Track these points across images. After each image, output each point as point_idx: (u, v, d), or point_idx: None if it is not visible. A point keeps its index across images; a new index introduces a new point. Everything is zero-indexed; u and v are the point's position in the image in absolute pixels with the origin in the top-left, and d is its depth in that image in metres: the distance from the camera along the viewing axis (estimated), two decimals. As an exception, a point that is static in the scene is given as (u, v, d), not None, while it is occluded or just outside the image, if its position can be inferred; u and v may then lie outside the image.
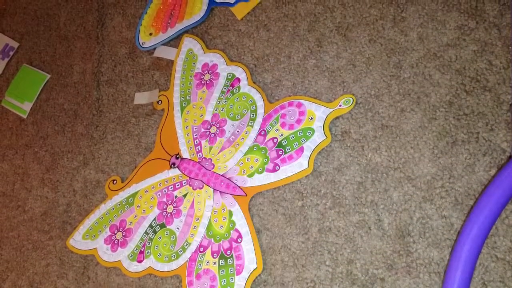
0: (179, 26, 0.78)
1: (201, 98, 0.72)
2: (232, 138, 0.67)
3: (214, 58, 0.73)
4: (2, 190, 0.86)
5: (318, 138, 0.61)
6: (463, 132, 0.56)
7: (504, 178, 0.50)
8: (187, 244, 0.65)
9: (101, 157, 0.78)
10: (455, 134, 0.56)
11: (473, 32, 0.58)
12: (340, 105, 0.62)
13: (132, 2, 0.85)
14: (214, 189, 0.66)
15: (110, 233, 0.71)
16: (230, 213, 0.64)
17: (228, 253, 0.62)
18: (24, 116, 0.88)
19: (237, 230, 0.63)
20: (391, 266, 0.55)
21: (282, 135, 0.64)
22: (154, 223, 0.69)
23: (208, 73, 0.73)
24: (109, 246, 0.71)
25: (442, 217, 0.54)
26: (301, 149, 0.62)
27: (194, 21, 0.76)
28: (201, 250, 0.64)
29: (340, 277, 0.57)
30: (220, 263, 0.63)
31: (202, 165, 0.68)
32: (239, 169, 0.65)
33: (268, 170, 0.63)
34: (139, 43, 0.80)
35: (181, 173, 0.70)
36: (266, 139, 0.65)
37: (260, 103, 0.67)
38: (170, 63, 0.77)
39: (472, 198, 0.54)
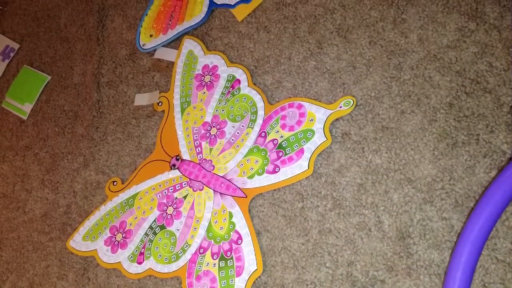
0: (179, 28, 0.78)
1: (201, 100, 0.72)
2: (232, 140, 0.67)
3: (215, 59, 0.73)
4: (2, 191, 0.86)
5: (318, 139, 0.61)
6: (464, 134, 0.56)
7: (504, 180, 0.50)
8: (187, 246, 0.65)
9: (102, 159, 0.78)
10: (456, 136, 0.56)
11: (473, 34, 0.58)
12: (341, 107, 0.62)
13: (132, 4, 0.85)
14: (214, 190, 0.66)
15: (110, 235, 0.71)
16: (230, 215, 0.64)
17: (228, 255, 0.62)
18: (25, 118, 0.88)
19: (237, 232, 0.63)
20: (391, 268, 0.55)
21: (282, 136, 0.64)
22: (154, 224, 0.69)
23: (209, 74, 0.73)
24: (109, 247, 0.71)
25: (443, 219, 0.54)
26: (301, 151, 0.62)
27: (194, 23, 0.76)
28: (201, 251, 0.64)
29: (340, 278, 0.57)
30: (220, 264, 0.63)
31: (202, 167, 0.68)
32: (239, 170, 0.65)
33: (268, 172, 0.63)
34: (139, 44, 0.80)
35: (181, 174, 0.70)
36: (267, 141, 0.65)
37: (260, 104, 0.67)
38: (171, 65, 0.77)
39: (472, 200, 0.54)
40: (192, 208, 0.67)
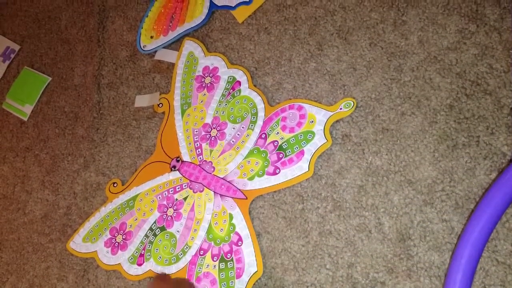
0: (180, 29, 0.78)
1: (201, 101, 0.72)
2: (232, 141, 0.67)
3: (215, 61, 0.73)
4: (2, 192, 0.86)
5: (318, 141, 0.61)
6: (464, 135, 0.56)
7: (504, 182, 0.50)
8: (187, 247, 0.65)
9: (102, 160, 0.78)
10: (456, 138, 0.56)
11: (474, 36, 0.58)
12: (341, 108, 0.62)
13: (133, 5, 0.85)
14: (214, 192, 0.66)
15: (110, 236, 0.71)
16: (231, 216, 0.64)
17: (228, 256, 0.62)
18: (25, 119, 0.88)
19: (237, 233, 0.63)
20: (391, 270, 0.55)
21: (282, 138, 0.64)
22: (155, 226, 0.69)
23: (209, 76, 0.73)
24: (109, 249, 0.71)
25: (443, 220, 0.54)
26: (302, 152, 0.62)
27: (195, 24, 0.76)
28: (201, 253, 0.64)
29: (341, 280, 0.57)
30: (220, 266, 0.62)
31: (202, 168, 0.68)
32: (239, 172, 0.65)
33: (269, 173, 0.63)
34: (140, 46, 0.81)
35: (181, 176, 0.70)
36: (267, 142, 0.65)
37: (260, 106, 0.67)
38: (171, 66, 0.77)
39: (472, 201, 0.54)
40: (192, 209, 0.67)
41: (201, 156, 0.69)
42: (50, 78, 0.88)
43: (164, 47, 0.79)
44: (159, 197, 0.70)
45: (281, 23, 0.70)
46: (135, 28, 0.83)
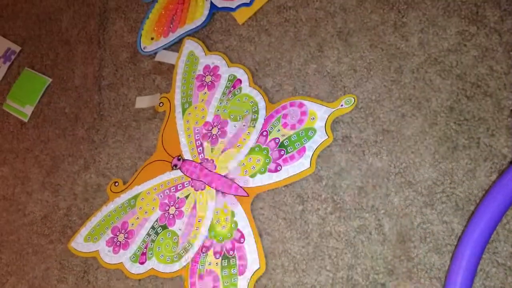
0: (180, 31, 0.78)
1: (202, 100, 0.72)
2: (234, 139, 0.67)
3: (216, 60, 0.73)
4: (2, 193, 0.86)
5: (320, 137, 0.61)
6: (464, 137, 0.56)
7: (505, 184, 0.50)
8: (189, 245, 0.65)
9: (102, 161, 0.78)
10: (456, 139, 0.56)
11: (474, 38, 0.58)
12: (342, 105, 0.62)
13: (134, 7, 0.85)
14: (216, 190, 0.66)
15: (112, 235, 0.71)
16: (233, 214, 0.64)
17: (230, 254, 0.62)
18: (25, 120, 0.88)
19: (239, 231, 0.63)
20: (392, 271, 0.55)
21: (284, 135, 0.64)
22: (156, 224, 0.69)
23: (210, 74, 0.73)
24: (111, 248, 0.71)
25: (443, 222, 0.54)
26: (303, 149, 0.62)
27: (195, 26, 0.76)
28: (203, 251, 0.64)
29: (341, 282, 0.57)
30: (223, 263, 0.63)
31: (204, 166, 0.68)
32: (241, 169, 0.66)
33: (270, 170, 0.63)
34: (140, 47, 0.81)
35: (183, 174, 0.70)
36: (268, 140, 0.65)
37: (261, 104, 0.67)
38: (171, 68, 0.77)
39: (473, 203, 0.54)
40: (194, 207, 0.67)
41: (202, 154, 0.69)
42: (50, 79, 0.88)
43: (164, 49, 0.79)
44: (161, 196, 0.70)
45: (282, 24, 0.71)
46: (135, 30, 0.83)
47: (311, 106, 0.64)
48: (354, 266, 0.57)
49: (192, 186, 0.68)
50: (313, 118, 0.63)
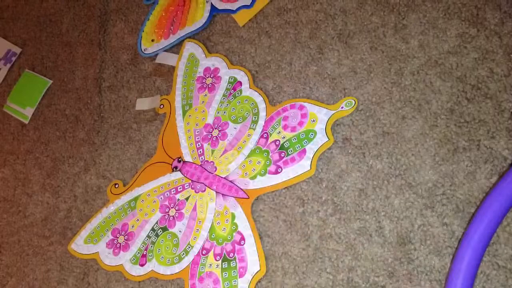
0: (181, 33, 0.78)
1: (203, 102, 0.72)
2: (234, 141, 0.68)
3: (216, 62, 0.73)
4: (3, 195, 0.86)
5: (320, 140, 0.62)
6: (464, 139, 0.56)
7: (505, 186, 0.50)
8: (189, 247, 0.65)
9: (102, 163, 0.78)
10: (456, 142, 0.56)
11: (474, 40, 0.58)
12: (342, 107, 0.62)
13: (134, 9, 0.85)
14: (216, 191, 0.66)
15: (112, 237, 0.71)
16: (233, 216, 0.64)
17: (231, 256, 0.62)
18: (26, 122, 0.88)
19: (239, 233, 0.63)
20: (392, 274, 0.55)
21: (284, 137, 0.64)
22: (157, 226, 0.69)
23: (210, 77, 0.73)
24: (111, 250, 0.71)
25: (443, 224, 0.54)
26: (304, 151, 0.62)
27: (196, 28, 0.77)
28: (203, 253, 0.64)
29: (341, 284, 0.57)
30: (223, 265, 0.63)
31: (204, 168, 0.69)
32: (241, 171, 0.66)
33: (271, 172, 0.63)
34: (141, 49, 0.81)
35: (183, 176, 0.70)
36: (269, 142, 0.65)
37: (262, 106, 0.67)
38: (172, 69, 0.78)
39: (473, 205, 0.54)
40: (194, 209, 0.67)
41: (202, 157, 0.69)
42: (51, 81, 0.89)
43: (165, 51, 0.79)
44: (161, 198, 0.70)
45: (282, 26, 0.71)
46: (136, 32, 0.84)
47: (311, 108, 0.64)
48: (354, 268, 0.57)
49: (192, 188, 0.69)
50: (314, 121, 0.63)
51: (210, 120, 0.71)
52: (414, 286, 0.54)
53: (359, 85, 0.63)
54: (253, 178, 0.64)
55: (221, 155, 0.68)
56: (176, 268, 0.65)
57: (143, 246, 0.69)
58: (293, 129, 0.64)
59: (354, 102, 0.62)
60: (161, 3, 0.82)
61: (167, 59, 0.78)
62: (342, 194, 0.60)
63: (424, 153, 0.57)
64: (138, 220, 0.71)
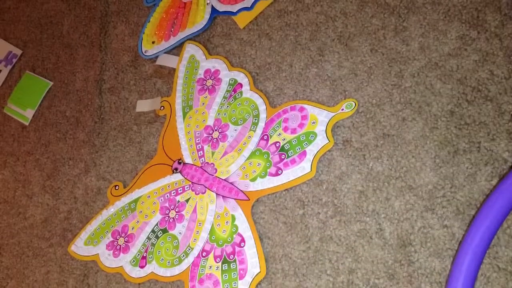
0: (181, 35, 0.78)
1: (203, 104, 0.72)
2: (234, 143, 0.68)
3: (216, 64, 0.74)
4: (3, 197, 0.86)
5: (320, 142, 0.62)
6: (465, 141, 0.56)
7: (506, 188, 0.49)
8: (189, 249, 0.65)
9: (103, 165, 0.78)
10: (457, 144, 0.56)
11: (475, 42, 0.59)
12: (343, 109, 0.62)
13: (135, 11, 0.85)
14: (216, 193, 0.66)
15: (112, 239, 0.71)
16: (233, 218, 0.64)
17: (231, 258, 0.62)
18: (26, 123, 0.88)
19: (240, 235, 0.63)
20: (392, 276, 0.55)
21: (284, 139, 0.64)
22: (157, 228, 0.69)
23: (210, 78, 0.73)
24: (111, 251, 0.71)
25: (444, 226, 0.54)
26: (304, 153, 0.62)
27: (196, 30, 0.77)
28: (203, 255, 0.64)
29: (341, 286, 0.57)
30: (223, 267, 0.62)
31: (204, 170, 0.69)
32: (241, 173, 0.66)
33: (271, 174, 0.63)
34: (141, 51, 0.81)
35: (183, 178, 0.70)
36: (269, 144, 0.65)
37: (262, 107, 0.67)
38: (172, 71, 0.78)
39: (473, 207, 0.54)
40: (194, 211, 0.67)
41: (203, 158, 0.69)
42: (51, 83, 0.89)
43: (165, 53, 0.79)
44: (161, 199, 0.70)
45: (282, 28, 0.71)
46: (136, 33, 0.84)
47: (312, 110, 0.64)
48: (355, 271, 0.57)
49: (192, 190, 0.69)
50: (314, 122, 0.63)
51: (210, 122, 0.71)
52: (414, 288, 0.54)
53: (359, 87, 0.63)
54: (253, 180, 0.64)
55: (222, 157, 0.68)
56: (176, 270, 0.65)
57: (143, 248, 0.69)
58: (294, 131, 0.64)
59: (354, 104, 0.62)
60: (161, 5, 0.82)
61: (168, 61, 0.78)
62: (343, 196, 0.60)
63: (424, 155, 0.57)
64: (138, 222, 0.71)
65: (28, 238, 0.80)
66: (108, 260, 0.70)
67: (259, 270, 0.60)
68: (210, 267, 0.63)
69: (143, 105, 0.77)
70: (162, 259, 0.67)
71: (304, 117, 0.64)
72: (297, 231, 0.61)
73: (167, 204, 0.70)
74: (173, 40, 0.79)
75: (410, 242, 0.55)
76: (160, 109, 0.76)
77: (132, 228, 0.71)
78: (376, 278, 0.56)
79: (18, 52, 0.94)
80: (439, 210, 0.55)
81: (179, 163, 0.71)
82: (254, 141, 0.66)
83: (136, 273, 0.68)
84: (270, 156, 0.64)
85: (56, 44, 0.91)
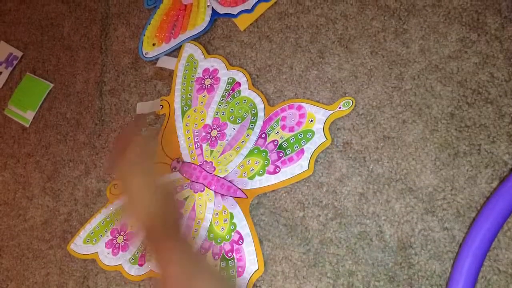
0: (182, 37, 0.78)
1: (202, 103, 0.72)
2: (233, 141, 0.68)
3: (215, 63, 0.74)
4: (3, 198, 0.86)
5: (318, 140, 0.62)
6: (465, 144, 0.56)
7: (506, 191, 0.49)
8: (188, 247, 0.66)
9: (103, 166, 0.78)
10: (457, 146, 0.56)
11: (475, 45, 0.59)
12: (340, 107, 0.62)
13: (135, 13, 0.85)
14: (215, 191, 0.66)
15: (111, 237, 0.71)
16: (231, 215, 0.64)
17: (229, 255, 0.62)
18: (27, 125, 0.88)
19: (238, 232, 0.63)
20: (392, 278, 0.55)
21: (282, 137, 0.64)
22: (156, 226, 0.69)
23: (209, 77, 0.73)
24: (110, 250, 0.71)
25: (444, 229, 0.54)
26: (302, 151, 0.62)
27: (197, 32, 0.77)
28: (202, 252, 0.64)
29: (341, 289, 0.57)
30: (222, 265, 0.63)
31: (203, 168, 0.69)
32: (240, 171, 0.66)
33: (269, 172, 0.63)
34: (142, 53, 0.81)
35: (182, 176, 0.70)
36: (267, 142, 0.65)
37: (260, 106, 0.68)
38: (172, 73, 0.78)
39: (474, 210, 0.54)
40: (193, 209, 0.67)
41: (201, 157, 0.69)
42: (52, 85, 0.89)
43: (166, 55, 0.79)
44: (160, 198, 0.70)
45: (283, 31, 0.71)
46: (137, 36, 0.84)
47: (309, 108, 0.64)
48: (355, 273, 0.57)
49: (191, 188, 0.69)
50: (312, 121, 0.63)
51: (209, 120, 0.71)
52: (414, 291, 0.54)
53: (359, 89, 0.63)
54: (251, 178, 0.65)
55: (220, 155, 0.68)
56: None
57: (142, 246, 0.69)
58: (291, 129, 0.64)
59: (351, 102, 0.62)
60: (162, 7, 0.82)
61: (168, 63, 0.78)
62: (343, 198, 0.60)
63: (424, 157, 0.57)
64: (137, 221, 0.71)
65: (28, 240, 0.80)
66: (107, 259, 0.70)
67: (257, 267, 0.61)
68: None
69: (144, 107, 0.77)
70: None
71: (302, 116, 0.64)
72: (297, 233, 0.61)
73: (166, 203, 0.70)
74: (173, 42, 0.79)
75: (411, 244, 0.55)
76: (159, 108, 0.76)
77: (131, 226, 0.71)
78: (376, 280, 0.56)
79: (19, 54, 0.95)
80: (439, 213, 0.55)
81: (178, 161, 0.71)
82: (252, 140, 0.66)
83: (135, 271, 0.68)
84: (268, 154, 0.64)
85: (56, 46, 0.92)
